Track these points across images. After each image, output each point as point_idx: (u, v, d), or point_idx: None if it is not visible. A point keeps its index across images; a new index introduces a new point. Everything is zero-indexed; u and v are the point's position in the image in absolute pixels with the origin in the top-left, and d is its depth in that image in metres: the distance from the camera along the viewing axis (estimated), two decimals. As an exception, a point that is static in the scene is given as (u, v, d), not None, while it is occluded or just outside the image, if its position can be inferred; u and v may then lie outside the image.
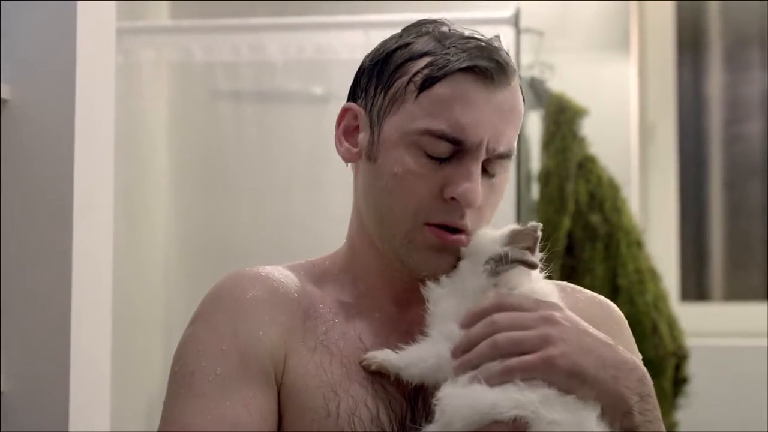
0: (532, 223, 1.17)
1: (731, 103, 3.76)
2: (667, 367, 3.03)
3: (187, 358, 1.19)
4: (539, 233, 1.17)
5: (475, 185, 1.17)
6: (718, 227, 3.74)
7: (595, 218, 3.06)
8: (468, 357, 1.11)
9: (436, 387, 1.13)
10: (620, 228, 3.06)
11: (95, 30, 1.94)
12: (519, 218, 2.83)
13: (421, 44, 1.20)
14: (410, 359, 1.16)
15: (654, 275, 3.10)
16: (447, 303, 1.17)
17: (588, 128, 3.12)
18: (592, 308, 1.28)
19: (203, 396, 1.16)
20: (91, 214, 1.91)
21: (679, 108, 3.72)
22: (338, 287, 1.27)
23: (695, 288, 3.72)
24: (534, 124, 3.20)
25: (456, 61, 1.17)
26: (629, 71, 3.60)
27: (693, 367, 3.09)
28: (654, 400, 1.12)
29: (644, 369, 1.13)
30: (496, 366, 1.09)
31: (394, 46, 1.22)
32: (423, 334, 1.17)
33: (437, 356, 1.14)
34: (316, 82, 3.09)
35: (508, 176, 1.24)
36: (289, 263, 1.31)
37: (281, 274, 1.27)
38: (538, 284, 1.18)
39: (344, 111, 1.27)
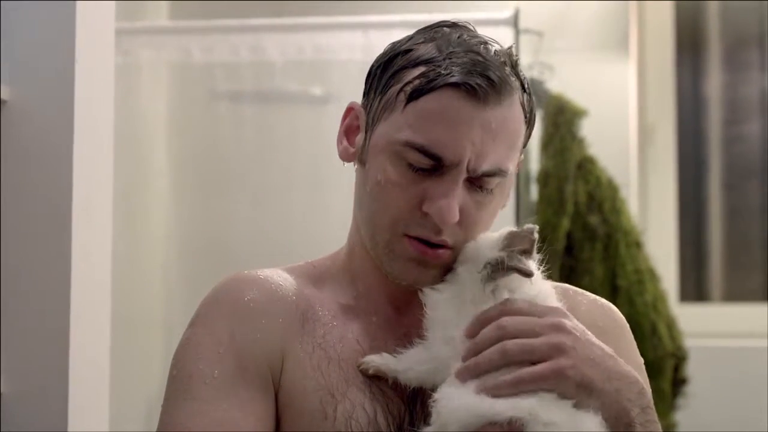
0: (529, 226, 1.16)
1: (730, 103, 3.76)
2: (666, 367, 3.03)
3: (185, 361, 1.20)
4: (536, 235, 1.16)
5: (452, 203, 1.14)
6: (717, 228, 3.74)
7: (594, 219, 3.06)
8: (475, 362, 1.10)
9: (434, 390, 1.12)
10: (619, 229, 3.06)
11: (94, 30, 1.94)
12: (518, 219, 2.83)
13: (421, 52, 1.18)
14: (408, 363, 1.16)
15: (653, 276, 3.10)
16: (445, 308, 1.16)
17: (587, 129, 3.12)
18: (594, 311, 1.28)
19: (200, 399, 1.16)
20: (90, 214, 1.91)
21: (678, 109, 3.72)
22: (337, 288, 1.27)
23: (694, 289, 3.72)
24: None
25: (447, 75, 1.14)
26: (628, 72, 3.60)
27: (692, 368, 3.09)
28: (653, 411, 1.12)
29: (642, 383, 1.13)
30: (506, 378, 1.08)
31: (397, 51, 1.21)
32: (421, 337, 1.17)
33: (435, 360, 1.14)
34: (315, 82, 3.09)
35: (504, 192, 1.21)
36: (288, 265, 1.31)
37: (279, 276, 1.26)
38: (537, 286, 1.17)
39: (349, 109, 1.26)
